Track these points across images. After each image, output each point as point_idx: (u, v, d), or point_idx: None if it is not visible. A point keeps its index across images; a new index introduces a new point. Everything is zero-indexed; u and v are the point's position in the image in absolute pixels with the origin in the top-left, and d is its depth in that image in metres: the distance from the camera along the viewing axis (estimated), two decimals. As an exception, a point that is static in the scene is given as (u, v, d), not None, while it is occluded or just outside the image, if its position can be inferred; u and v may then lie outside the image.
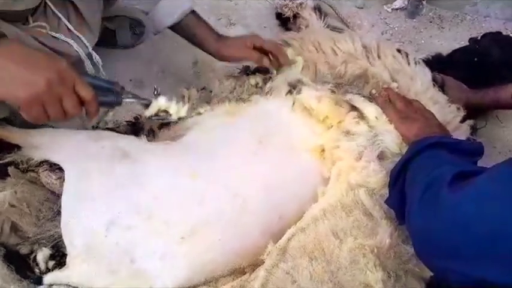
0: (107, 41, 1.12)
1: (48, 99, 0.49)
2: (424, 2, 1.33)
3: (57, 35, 0.75)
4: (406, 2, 1.33)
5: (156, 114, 0.67)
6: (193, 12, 0.89)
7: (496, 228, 0.44)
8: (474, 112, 0.95)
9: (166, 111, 0.67)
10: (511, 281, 0.43)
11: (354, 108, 0.77)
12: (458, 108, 0.87)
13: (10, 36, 0.55)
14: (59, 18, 0.75)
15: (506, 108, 1.01)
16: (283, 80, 0.84)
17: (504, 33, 1.20)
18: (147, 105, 0.66)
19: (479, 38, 1.16)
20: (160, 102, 0.67)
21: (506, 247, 0.43)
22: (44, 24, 0.74)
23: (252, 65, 0.98)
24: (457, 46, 1.22)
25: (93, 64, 0.83)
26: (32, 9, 0.73)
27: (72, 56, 0.77)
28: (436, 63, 1.05)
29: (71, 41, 0.76)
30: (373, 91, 0.82)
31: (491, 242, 0.44)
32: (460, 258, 0.48)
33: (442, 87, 0.93)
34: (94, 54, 0.78)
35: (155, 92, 0.67)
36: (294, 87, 0.81)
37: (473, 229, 0.46)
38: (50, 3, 0.75)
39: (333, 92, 0.79)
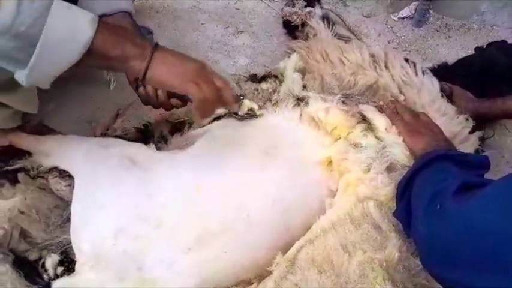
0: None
1: (203, 79, 0.64)
2: (431, 11, 1.33)
3: None
4: (413, 11, 1.33)
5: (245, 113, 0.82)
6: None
7: (499, 240, 0.44)
8: (481, 121, 0.95)
9: (251, 109, 0.81)
10: None
11: (363, 119, 0.77)
12: (466, 119, 0.87)
13: None
14: None
15: None
16: (288, 93, 0.84)
17: (511, 42, 1.19)
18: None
19: (484, 46, 1.16)
20: (247, 103, 0.80)
21: (509, 259, 0.43)
22: None
23: (259, 72, 0.98)
24: (464, 55, 1.22)
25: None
26: None
27: None
28: (442, 72, 1.05)
29: None
30: (381, 103, 0.82)
31: (494, 254, 0.44)
32: (464, 269, 0.48)
33: (449, 97, 0.93)
34: None
35: (241, 97, 0.80)
36: (301, 100, 0.81)
37: (477, 240, 0.46)
38: None
39: (343, 102, 0.79)
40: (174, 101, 0.71)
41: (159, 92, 0.70)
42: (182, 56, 0.65)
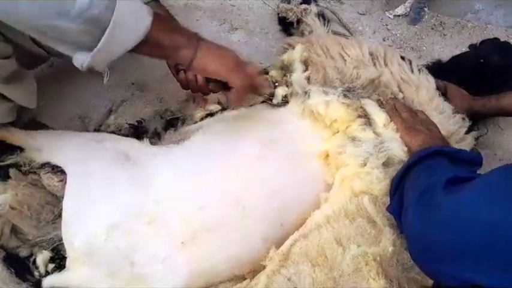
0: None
1: (240, 67, 0.70)
2: (426, 9, 1.34)
3: None
4: (408, 9, 1.33)
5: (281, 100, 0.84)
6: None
7: (492, 231, 0.44)
8: (475, 119, 0.95)
9: (285, 96, 0.84)
10: (506, 285, 0.42)
11: (363, 113, 0.77)
12: (463, 119, 0.87)
13: None
14: None
15: (509, 116, 1.00)
16: (299, 85, 0.83)
17: (504, 39, 1.20)
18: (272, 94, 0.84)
19: (478, 44, 1.16)
20: (281, 92, 0.84)
21: (502, 250, 0.43)
22: None
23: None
24: (459, 53, 1.22)
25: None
26: None
27: None
28: (437, 70, 1.05)
29: None
30: (381, 99, 0.82)
31: (487, 246, 0.44)
32: (455, 261, 0.47)
33: (444, 94, 0.93)
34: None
35: (276, 84, 0.84)
36: (305, 93, 0.82)
37: (469, 232, 0.46)
38: None
39: (345, 96, 0.79)
40: (212, 85, 0.74)
41: (198, 77, 0.74)
42: (221, 47, 0.70)
